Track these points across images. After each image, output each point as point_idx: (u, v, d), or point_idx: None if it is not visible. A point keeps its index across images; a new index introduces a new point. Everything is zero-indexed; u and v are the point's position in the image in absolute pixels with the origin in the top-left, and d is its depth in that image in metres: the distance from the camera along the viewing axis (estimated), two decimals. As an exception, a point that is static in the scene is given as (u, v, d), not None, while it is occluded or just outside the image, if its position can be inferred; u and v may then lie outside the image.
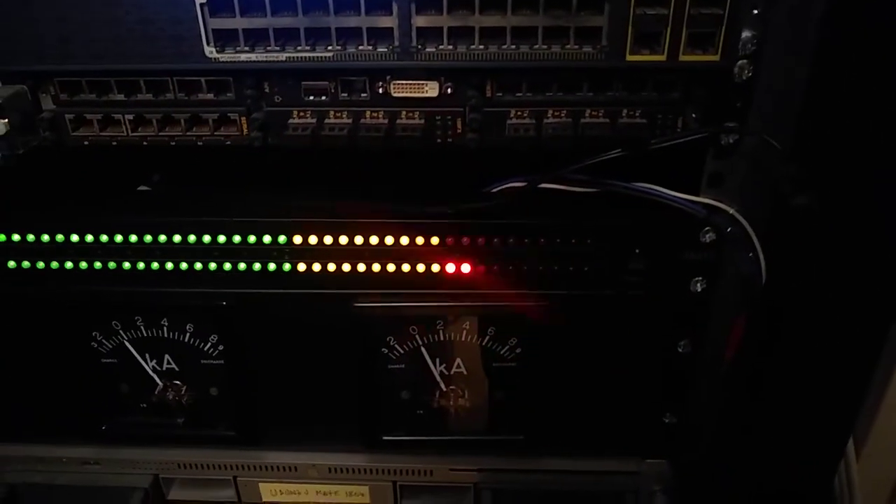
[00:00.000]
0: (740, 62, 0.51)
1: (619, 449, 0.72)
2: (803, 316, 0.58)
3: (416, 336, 0.66)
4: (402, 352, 0.67)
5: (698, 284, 0.61)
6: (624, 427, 0.70)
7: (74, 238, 0.61)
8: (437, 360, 0.67)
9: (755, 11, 0.49)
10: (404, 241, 0.60)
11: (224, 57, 0.52)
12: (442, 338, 0.66)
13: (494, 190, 0.60)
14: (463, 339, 0.66)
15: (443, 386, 0.69)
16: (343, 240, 0.61)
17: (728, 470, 0.67)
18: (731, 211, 0.57)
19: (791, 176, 0.51)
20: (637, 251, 0.60)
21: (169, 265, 0.62)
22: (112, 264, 0.62)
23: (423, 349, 0.67)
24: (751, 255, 0.57)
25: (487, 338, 0.66)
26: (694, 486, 0.70)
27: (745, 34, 0.50)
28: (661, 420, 0.69)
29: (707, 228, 0.59)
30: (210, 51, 0.52)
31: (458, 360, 0.67)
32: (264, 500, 0.76)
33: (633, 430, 0.70)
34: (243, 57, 0.52)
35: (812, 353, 0.60)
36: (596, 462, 0.72)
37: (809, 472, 0.65)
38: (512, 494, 0.73)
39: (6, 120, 0.53)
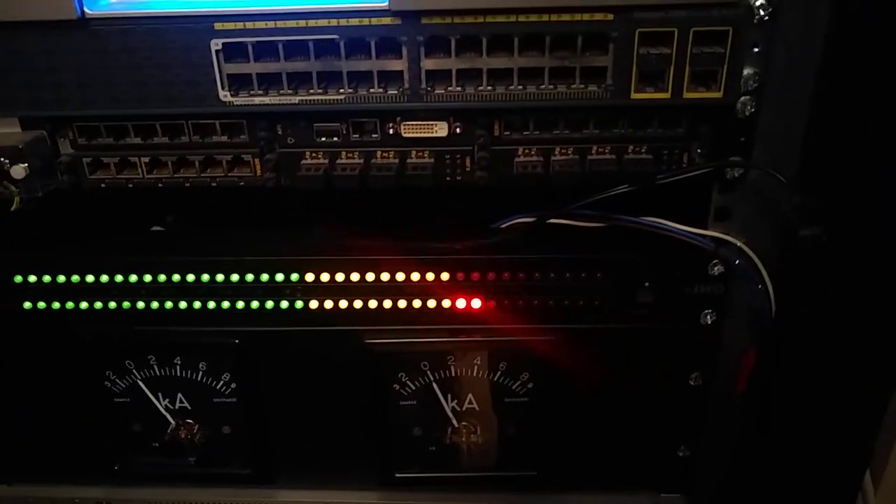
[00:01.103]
0: (743, 98, 0.52)
1: (633, 483, 0.71)
2: (814, 347, 0.58)
3: (428, 372, 0.66)
4: (413, 388, 0.67)
5: (708, 317, 0.61)
6: (638, 461, 0.70)
7: (89, 279, 0.62)
8: (449, 395, 0.67)
9: (756, 49, 0.50)
10: (415, 277, 0.61)
11: (238, 100, 0.53)
12: (453, 374, 0.66)
13: (504, 225, 0.61)
14: (474, 374, 0.66)
15: (455, 422, 0.69)
16: (354, 277, 0.61)
17: (744, 503, 0.66)
18: (739, 244, 0.57)
19: (797, 208, 0.52)
20: (646, 284, 0.61)
21: (182, 304, 0.63)
22: (126, 304, 0.63)
23: (434, 385, 0.67)
24: (760, 286, 0.57)
25: (499, 373, 0.66)
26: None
27: (747, 71, 0.51)
28: (676, 454, 0.68)
29: (715, 261, 0.59)
30: (224, 95, 0.53)
31: (470, 396, 0.67)
32: (277, 539, 0.75)
33: (648, 464, 0.70)
34: (257, 100, 0.53)
35: (825, 384, 0.60)
36: (611, 497, 0.71)
37: (826, 504, 0.65)
38: (526, 531, 0.72)
39: (26, 164, 0.55)
